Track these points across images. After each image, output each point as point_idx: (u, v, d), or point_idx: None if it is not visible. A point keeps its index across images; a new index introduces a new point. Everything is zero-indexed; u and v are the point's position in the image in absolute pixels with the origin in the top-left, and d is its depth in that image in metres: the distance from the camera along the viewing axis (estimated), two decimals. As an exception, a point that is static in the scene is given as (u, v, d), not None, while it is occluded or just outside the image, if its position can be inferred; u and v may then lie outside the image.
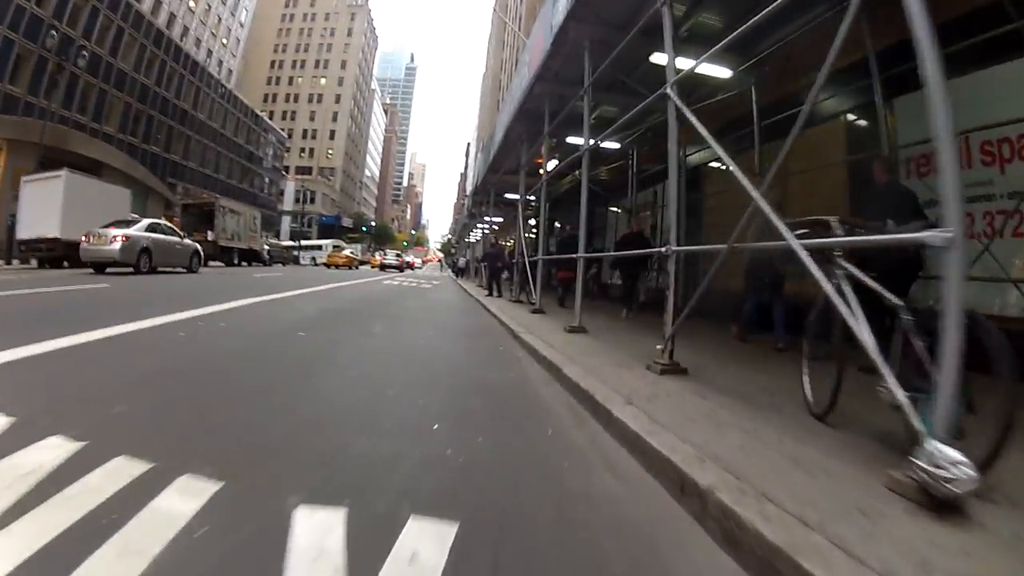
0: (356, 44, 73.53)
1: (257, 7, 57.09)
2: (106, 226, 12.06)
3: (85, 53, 25.57)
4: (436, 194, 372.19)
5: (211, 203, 22.74)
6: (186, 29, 40.77)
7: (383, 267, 34.40)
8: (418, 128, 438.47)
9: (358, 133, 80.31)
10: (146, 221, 13.27)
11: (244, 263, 25.88)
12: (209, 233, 21.94)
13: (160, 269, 13.30)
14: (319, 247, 39.48)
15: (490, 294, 12.19)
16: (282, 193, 56.52)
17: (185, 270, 14.70)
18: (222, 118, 42.88)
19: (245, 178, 47.70)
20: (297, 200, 51.82)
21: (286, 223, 53.92)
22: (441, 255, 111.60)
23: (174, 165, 36.71)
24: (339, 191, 69.56)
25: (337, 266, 31.84)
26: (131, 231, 12.11)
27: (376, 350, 4.18)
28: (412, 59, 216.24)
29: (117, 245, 11.46)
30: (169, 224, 15.11)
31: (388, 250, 45.71)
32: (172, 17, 38.12)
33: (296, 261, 34.32)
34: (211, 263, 22.41)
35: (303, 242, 39.54)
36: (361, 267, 36.28)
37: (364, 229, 64.37)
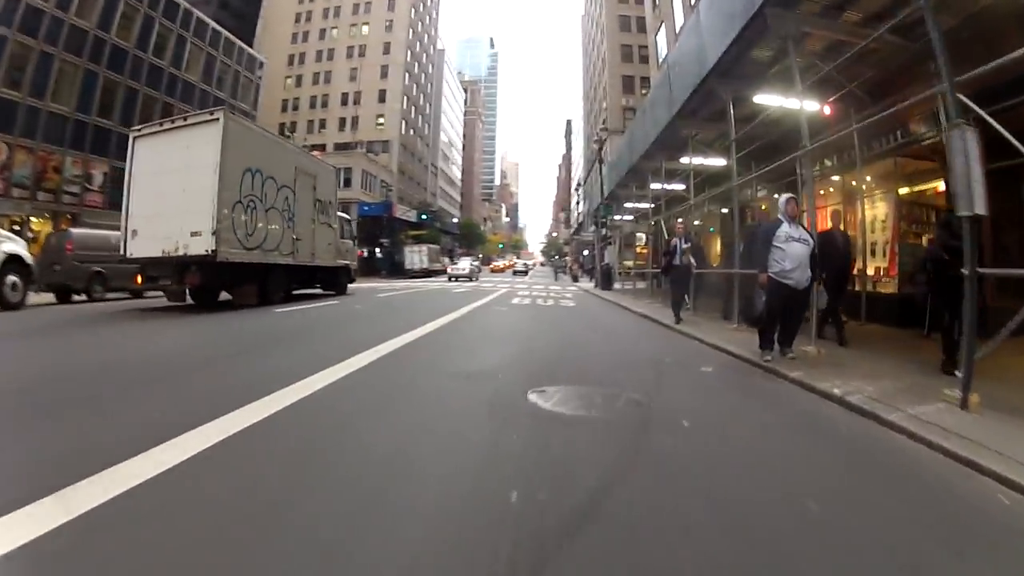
0: (406, -24, 55.10)
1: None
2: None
3: None
4: (532, 197, 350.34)
5: None
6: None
7: (515, 272, 43.67)
8: (506, 126, 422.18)
9: (421, 99, 61.49)
10: None
11: None
12: None
13: None
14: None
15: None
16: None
17: None
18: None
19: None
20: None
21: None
22: (543, 259, 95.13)
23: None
24: (396, 172, 50.88)
25: None
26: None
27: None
28: (492, 44, 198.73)
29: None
30: None
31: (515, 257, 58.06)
32: None
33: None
34: None
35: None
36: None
37: (424, 217, 44.84)
